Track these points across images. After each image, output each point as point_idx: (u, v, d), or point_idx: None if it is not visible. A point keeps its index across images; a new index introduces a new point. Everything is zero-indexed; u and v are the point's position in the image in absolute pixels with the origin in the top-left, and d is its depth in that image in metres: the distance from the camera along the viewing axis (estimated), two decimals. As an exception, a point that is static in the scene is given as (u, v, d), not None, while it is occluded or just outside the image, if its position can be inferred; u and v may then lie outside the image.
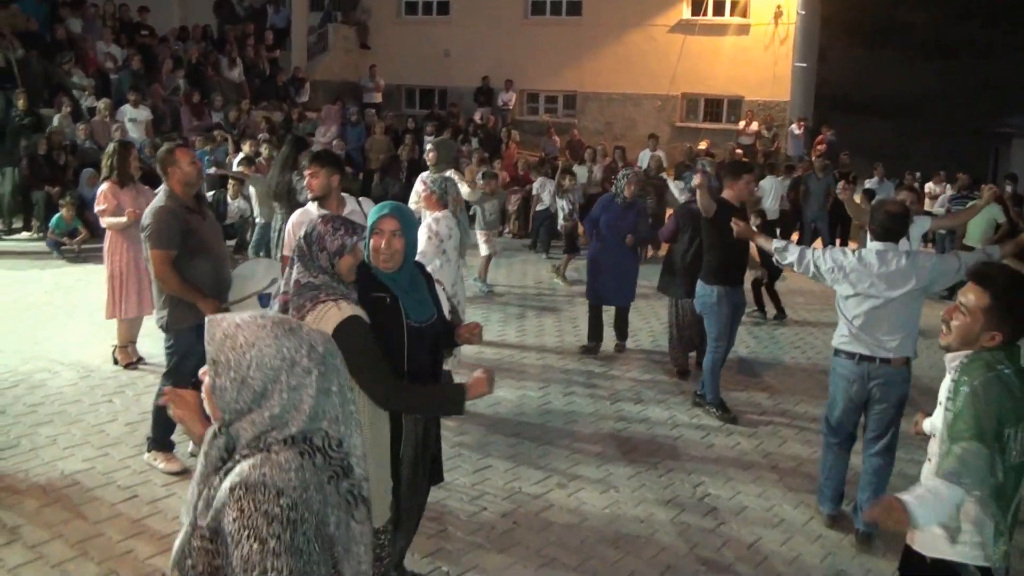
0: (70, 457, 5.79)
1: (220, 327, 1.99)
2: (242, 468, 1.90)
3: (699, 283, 7.14)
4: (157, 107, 16.08)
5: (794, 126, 20.68)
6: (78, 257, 11.96)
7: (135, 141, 13.88)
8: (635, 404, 7.36)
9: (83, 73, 16.22)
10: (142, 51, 17.46)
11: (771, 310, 10.63)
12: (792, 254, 5.25)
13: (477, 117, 21.15)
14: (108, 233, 7.58)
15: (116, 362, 7.67)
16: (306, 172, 5.71)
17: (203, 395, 2.04)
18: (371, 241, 3.70)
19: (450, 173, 8.11)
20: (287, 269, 3.37)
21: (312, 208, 5.61)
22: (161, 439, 5.74)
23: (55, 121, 14.30)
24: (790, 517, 5.51)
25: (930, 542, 3.04)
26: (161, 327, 5.60)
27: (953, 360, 3.08)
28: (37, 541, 4.74)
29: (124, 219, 7.36)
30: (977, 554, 2.94)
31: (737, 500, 5.70)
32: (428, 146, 8.59)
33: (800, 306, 11.37)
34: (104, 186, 7.60)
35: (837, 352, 5.20)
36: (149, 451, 5.76)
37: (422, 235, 6.30)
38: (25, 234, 13.45)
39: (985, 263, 3.23)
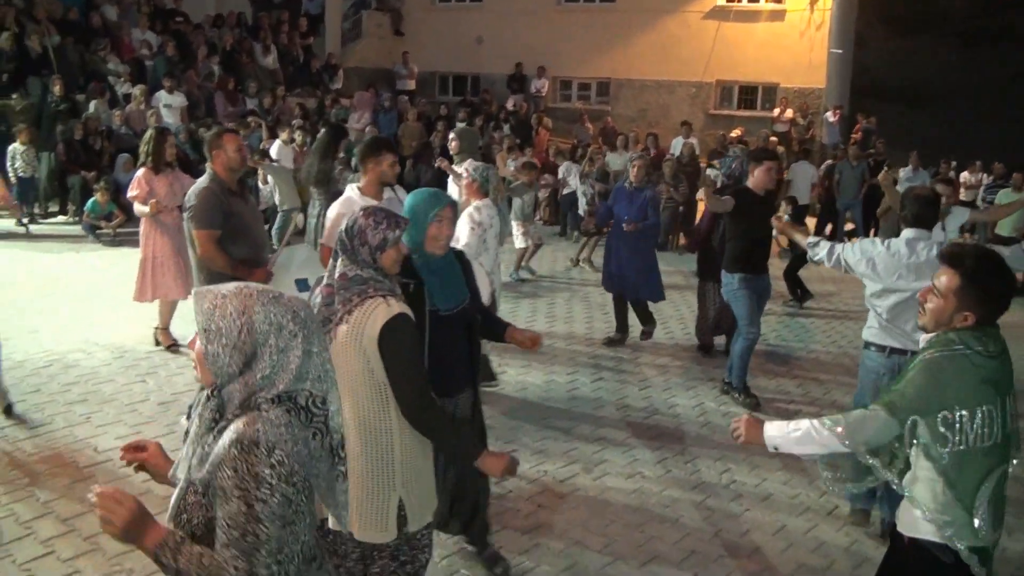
0: (103, 435, 5.89)
1: (207, 299, 2.15)
2: (237, 426, 2.07)
3: (723, 272, 7.13)
4: (192, 93, 16.23)
5: (829, 114, 20.44)
6: (114, 240, 12.13)
7: (170, 127, 14.05)
8: (663, 391, 7.35)
9: (119, 60, 16.38)
10: (177, 38, 17.61)
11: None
12: (823, 250, 5.20)
13: (510, 104, 21.12)
14: (143, 219, 7.63)
15: (158, 343, 7.73)
16: (391, 161, 5.69)
17: (194, 361, 2.20)
18: (430, 229, 3.72)
19: (468, 163, 8.10)
20: (330, 261, 3.29)
21: (355, 196, 5.56)
22: None
23: (92, 107, 14.46)
24: (815, 505, 5.49)
25: (908, 522, 3.07)
26: None
27: (924, 342, 3.09)
28: (69, 515, 4.84)
29: (147, 209, 7.40)
30: (948, 534, 2.95)
31: (763, 487, 5.69)
32: (451, 135, 8.50)
33: (833, 296, 11.27)
34: (139, 172, 7.65)
35: (867, 345, 5.12)
36: None
37: (464, 224, 6.26)
38: (61, 218, 13.67)
39: (958, 244, 3.24)
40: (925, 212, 4.95)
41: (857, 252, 5.00)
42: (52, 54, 14.98)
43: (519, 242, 11.44)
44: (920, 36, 23.66)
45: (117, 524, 2.02)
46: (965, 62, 22.71)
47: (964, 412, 2.89)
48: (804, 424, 3.06)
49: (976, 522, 2.93)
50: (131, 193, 7.65)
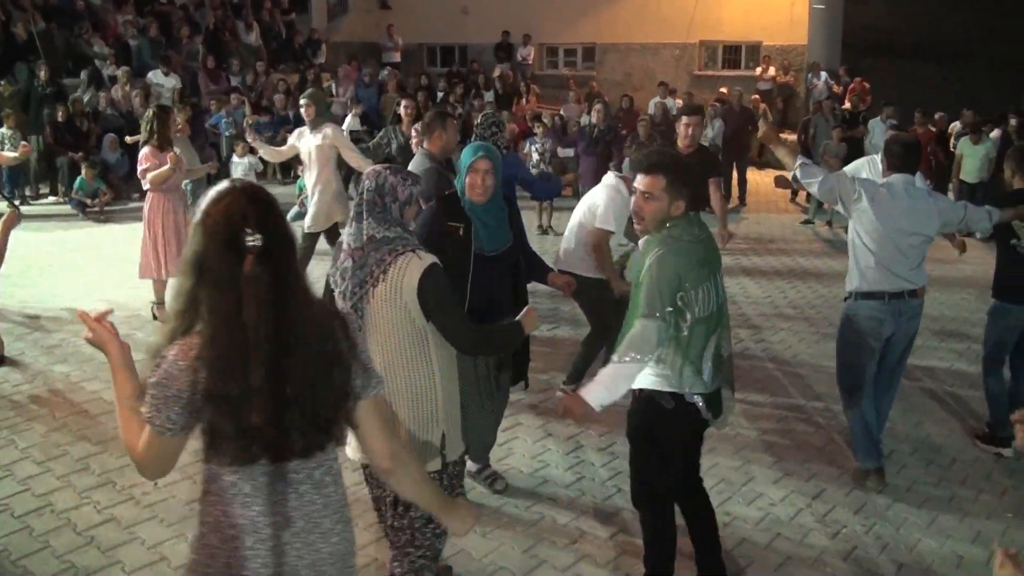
0: (79, 390, 6.34)
1: None
2: None
3: None
4: (175, 72, 16.51)
5: (812, 74, 20.39)
6: (100, 217, 12.53)
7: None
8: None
9: (103, 43, 16.69)
10: (160, 19, 17.89)
11: None
12: (816, 176, 5.00)
13: (496, 73, 21.31)
14: (149, 196, 7.76)
15: (155, 318, 7.94)
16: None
17: None
18: (467, 178, 4.33)
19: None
20: (352, 224, 3.38)
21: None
22: None
23: (88, 92, 14.78)
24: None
25: (641, 377, 3.65)
26: None
27: (643, 244, 3.69)
28: (45, 458, 5.30)
29: (167, 167, 7.52)
30: (672, 384, 3.61)
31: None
32: (302, 103, 8.43)
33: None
34: (145, 149, 7.74)
35: (857, 296, 5.06)
36: None
37: None
38: (51, 198, 14.04)
39: (653, 152, 3.84)
40: (910, 156, 5.02)
41: (857, 188, 4.90)
42: (38, 40, 15.27)
43: None
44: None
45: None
46: (976, 14, 22.44)
47: (692, 291, 3.50)
48: (608, 374, 3.54)
49: (704, 375, 3.60)
50: (142, 167, 7.73)
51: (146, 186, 7.75)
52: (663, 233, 3.57)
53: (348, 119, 15.74)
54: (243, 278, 2.14)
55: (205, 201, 2.21)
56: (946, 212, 5.04)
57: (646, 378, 3.63)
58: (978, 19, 22.48)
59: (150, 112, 7.97)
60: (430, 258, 3.30)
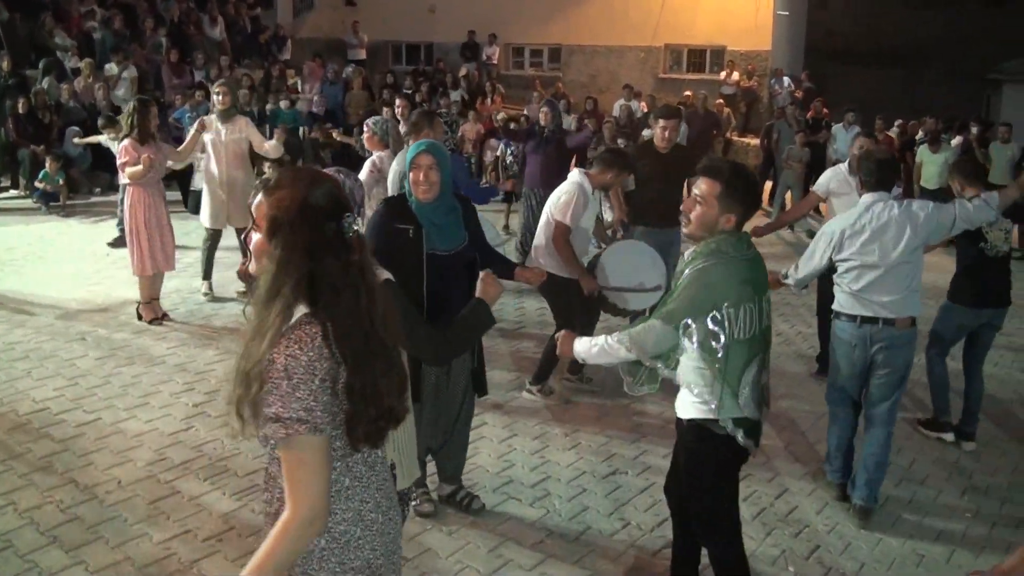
0: (41, 387, 6.24)
1: None
2: None
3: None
4: (139, 66, 16.30)
5: (775, 79, 20.61)
6: (63, 212, 12.36)
7: (121, 99, 14.18)
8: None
9: (66, 34, 16.46)
10: (124, 10, 17.67)
11: None
12: (801, 271, 5.03)
13: (463, 72, 21.27)
14: (129, 190, 7.56)
15: (140, 318, 7.73)
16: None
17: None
18: (410, 175, 4.15)
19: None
20: None
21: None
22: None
23: (46, 83, 14.54)
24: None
25: (683, 406, 3.55)
26: None
27: (689, 254, 3.52)
28: (7, 456, 5.21)
29: (140, 168, 7.29)
30: (715, 411, 3.41)
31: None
32: (216, 91, 8.26)
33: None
34: (125, 142, 7.50)
35: (837, 315, 5.00)
36: None
37: (364, 171, 6.80)
38: (12, 192, 13.79)
39: (715, 158, 3.65)
40: (884, 174, 4.88)
41: (822, 240, 4.90)
42: (1, 30, 15.02)
43: None
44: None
45: None
46: (935, 22, 22.73)
47: (731, 310, 3.33)
48: (600, 340, 3.55)
49: (740, 400, 3.39)
50: (121, 160, 7.51)
51: (123, 180, 7.61)
52: (711, 246, 3.39)
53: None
54: (351, 267, 2.13)
55: (272, 187, 2.11)
56: (924, 224, 4.77)
57: (692, 407, 3.49)
58: (942, 26, 22.83)
59: (131, 105, 7.76)
60: (382, 274, 3.13)
